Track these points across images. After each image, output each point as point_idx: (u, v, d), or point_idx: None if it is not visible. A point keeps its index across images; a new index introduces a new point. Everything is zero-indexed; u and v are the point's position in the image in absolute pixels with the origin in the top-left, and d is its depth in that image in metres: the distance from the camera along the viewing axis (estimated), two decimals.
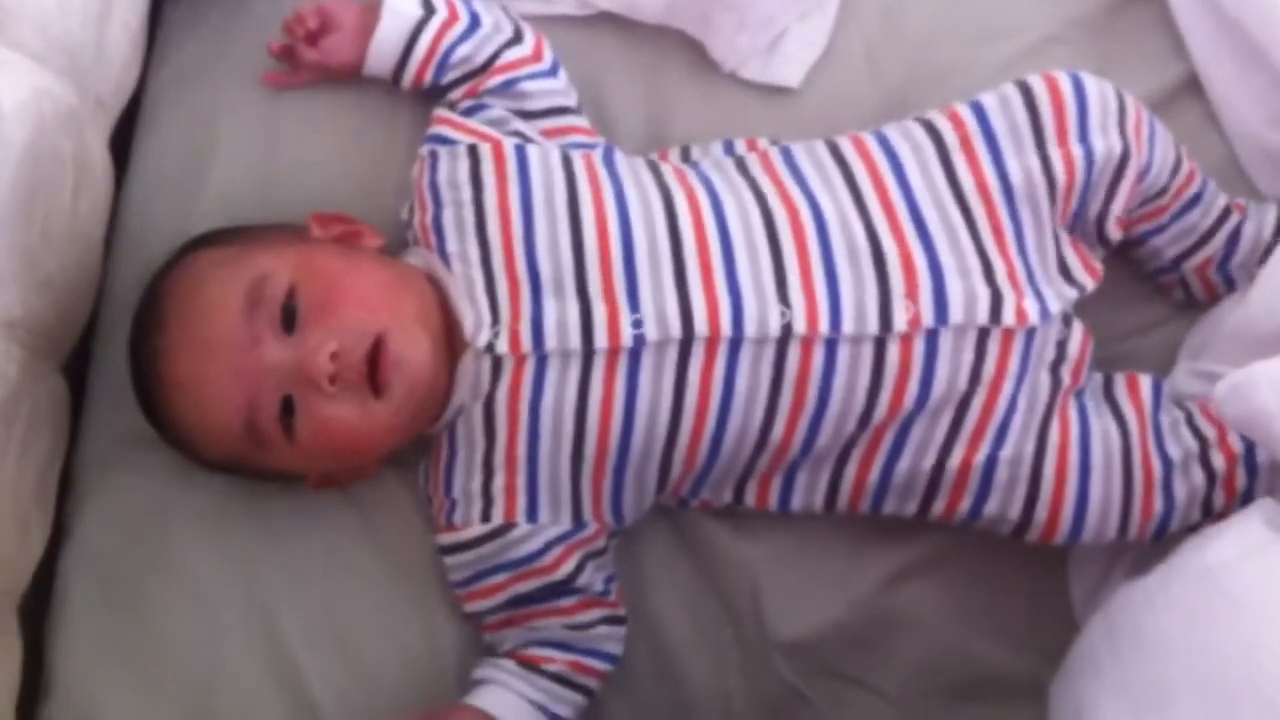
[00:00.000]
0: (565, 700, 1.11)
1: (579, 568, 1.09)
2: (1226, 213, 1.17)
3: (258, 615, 1.13)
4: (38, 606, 1.12)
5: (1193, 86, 1.24)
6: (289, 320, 1.01)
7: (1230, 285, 1.18)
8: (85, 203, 1.10)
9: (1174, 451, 1.08)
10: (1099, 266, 1.12)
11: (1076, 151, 1.08)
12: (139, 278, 1.12)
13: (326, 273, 1.04)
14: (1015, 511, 1.08)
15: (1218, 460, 1.07)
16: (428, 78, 1.16)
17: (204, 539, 1.14)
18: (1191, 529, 1.06)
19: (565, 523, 1.08)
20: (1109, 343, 1.18)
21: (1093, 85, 1.09)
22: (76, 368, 1.16)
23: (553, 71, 1.17)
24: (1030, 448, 1.07)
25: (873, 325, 1.03)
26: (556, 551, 1.08)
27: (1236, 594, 0.86)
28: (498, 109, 1.14)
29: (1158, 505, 1.08)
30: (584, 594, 1.10)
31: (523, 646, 1.11)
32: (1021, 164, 1.08)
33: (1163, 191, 1.13)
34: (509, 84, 1.15)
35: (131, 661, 1.12)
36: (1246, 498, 1.07)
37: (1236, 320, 1.13)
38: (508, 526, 1.08)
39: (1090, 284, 1.10)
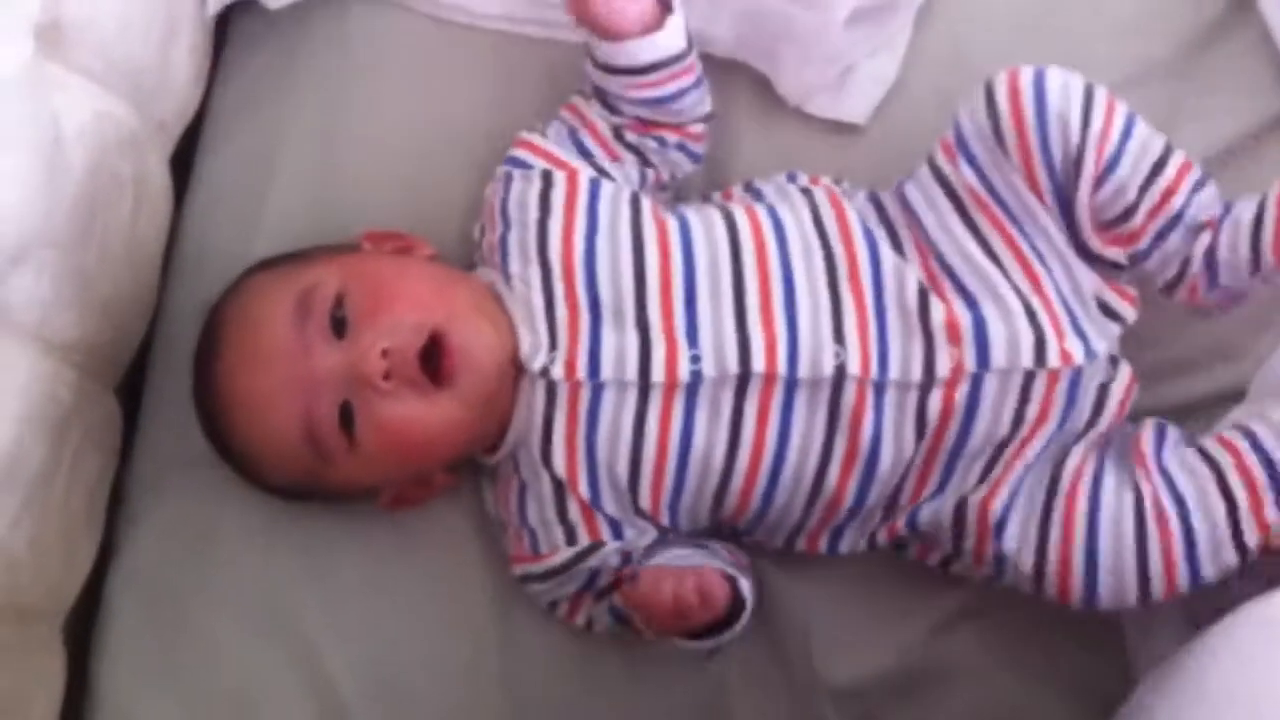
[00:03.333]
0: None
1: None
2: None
3: (300, 639, 1.14)
4: (84, 626, 1.13)
5: (1272, 129, 1.20)
6: (339, 327, 1.01)
7: (1231, 299, 1.09)
8: (144, 225, 1.11)
9: (1186, 487, 1.03)
10: (1134, 293, 1.08)
11: (1032, 134, 1.03)
12: (197, 299, 1.13)
13: (374, 276, 1.04)
14: (1029, 561, 1.04)
15: (1237, 487, 1.01)
16: (636, 97, 1.11)
17: (250, 562, 1.15)
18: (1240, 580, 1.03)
19: (651, 533, 1.08)
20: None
21: (1055, 77, 1.04)
22: (130, 387, 1.17)
23: (700, 159, 1.17)
24: (1043, 488, 1.04)
25: (917, 372, 1.02)
26: None
27: None
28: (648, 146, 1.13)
29: (1178, 549, 1.01)
30: None
31: None
32: (1003, 177, 1.05)
33: (1134, 208, 1.04)
34: (679, 146, 1.14)
35: (174, 683, 1.13)
36: None
37: None
38: (596, 545, 1.07)
39: (1130, 313, 1.07)
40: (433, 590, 1.15)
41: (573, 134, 1.13)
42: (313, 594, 1.14)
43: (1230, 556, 1.02)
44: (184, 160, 1.21)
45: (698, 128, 1.15)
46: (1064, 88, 1.03)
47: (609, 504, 1.07)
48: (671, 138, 1.13)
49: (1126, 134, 1.03)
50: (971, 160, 1.06)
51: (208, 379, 1.06)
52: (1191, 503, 1.02)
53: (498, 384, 1.04)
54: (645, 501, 1.06)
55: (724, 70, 1.20)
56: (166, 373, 1.17)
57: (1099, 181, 1.02)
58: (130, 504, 1.16)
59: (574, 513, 1.07)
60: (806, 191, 1.12)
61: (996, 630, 1.15)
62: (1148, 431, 1.09)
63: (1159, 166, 1.04)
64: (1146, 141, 1.04)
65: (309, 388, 1.01)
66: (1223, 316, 1.11)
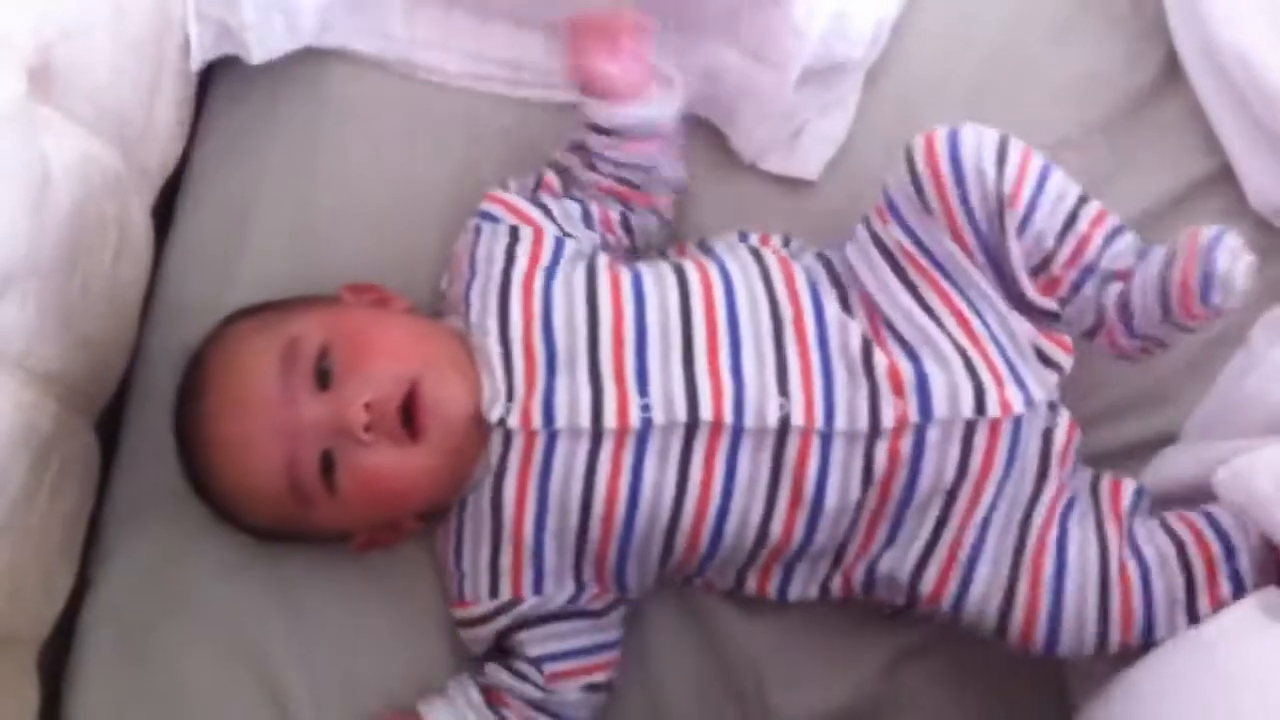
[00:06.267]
0: None
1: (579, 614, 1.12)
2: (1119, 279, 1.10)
3: (272, 672, 1.15)
4: (58, 657, 1.14)
5: (1208, 185, 1.27)
6: (323, 378, 1.04)
7: (1151, 345, 1.11)
8: (125, 266, 1.15)
9: (1149, 553, 1.07)
10: (1069, 341, 1.12)
11: (952, 193, 1.07)
12: (175, 341, 1.17)
13: (357, 329, 1.08)
14: (993, 611, 1.08)
15: (1196, 561, 1.06)
16: (615, 159, 1.17)
17: (221, 597, 1.16)
18: None
19: (569, 590, 1.11)
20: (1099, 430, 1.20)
21: (968, 134, 1.08)
22: (108, 426, 1.20)
23: (669, 224, 1.22)
24: (1010, 544, 1.08)
25: (863, 422, 1.05)
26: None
27: (1228, 669, 0.88)
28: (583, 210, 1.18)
29: (1137, 611, 1.05)
30: (564, 659, 1.12)
31: (496, 685, 1.12)
32: (931, 235, 1.09)
33: (1051, 257, 1.08)
34: (654, 213, 1.20)
35: (145, 714, 1.14)
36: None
37: (1240, 398, 1.14)
38: (515, 601, 1.10)
39: (1066, 360, 1.11)
40: (396, 625, 1.17)
41: (541, 193, 1.18)
42: (282, 628, 1.16)
43: (1182, 622, 1.05)
44: (165, 213, 1.25)
45: (668, 198, 1.21)
46: (977, 143, 1.07)
47: (550, 552, 1.09)
48: (640, 206, 1.18)
49: (1041, 183, 1.07)
50: (901, 220, 1.10)
51: (191, 422, 1.08)
52: (1153, 567, 1.06)
53: (466, 435, 1.07)
54: (594, 548, 1.08)
55: (682, 123, 1.25)
56: (144, 412, 1.20)
57: (1021, 229, 1.07)
58: (105, 538, 1.18)
59: (505, 562, 1.10)
60: (755, 251, 1.16)
61: (946, 666, 1.18)
62: (1128, 492, 1.11)
63: (1072, 218, 1.08)
64: (1062, 191, 1.08)
65: (293, 436, 1.04)
66: (1149, 360, 1.14)
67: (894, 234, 1.10)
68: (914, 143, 1.09)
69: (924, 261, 1.10)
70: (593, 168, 1.17)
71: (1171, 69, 1.30)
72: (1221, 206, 1.24)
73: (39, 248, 1.00)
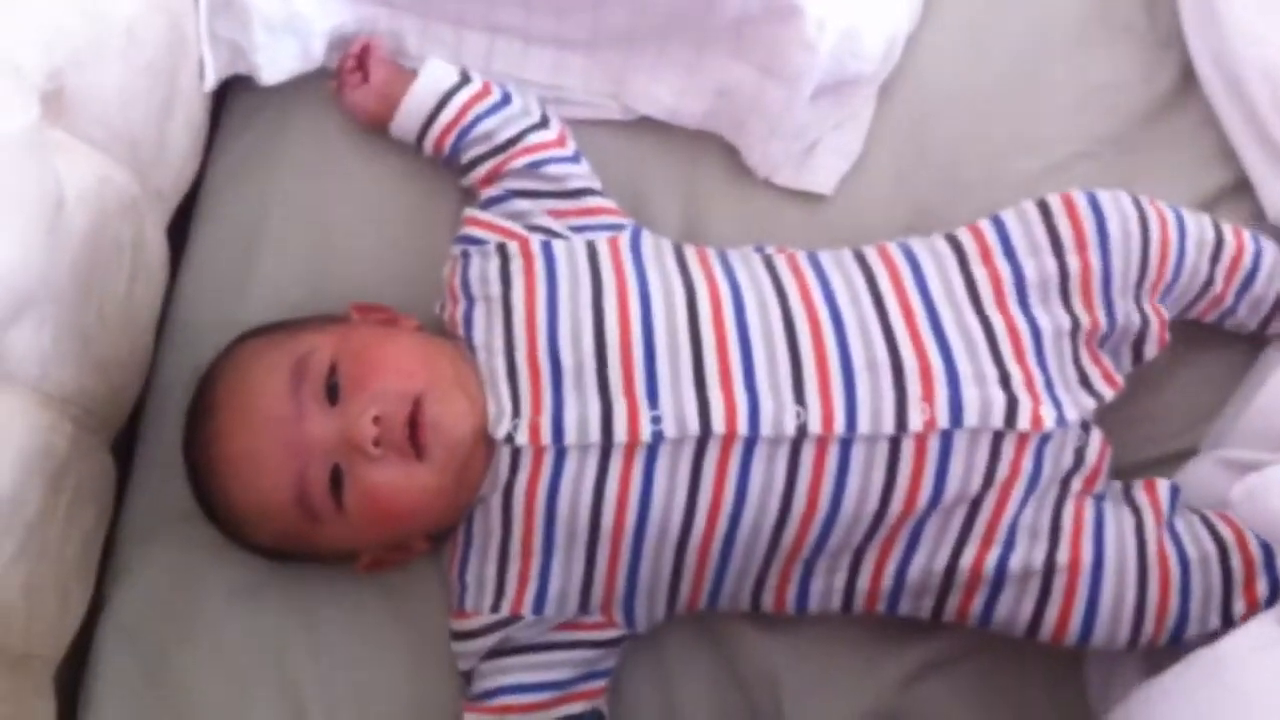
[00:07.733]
0: None
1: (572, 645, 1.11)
2: None
3: (287, 692, 1.15)
4: (74, 675, 1.15)
5: (1226, 197, 1.27)
6: (333, 394, 1.05)
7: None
8: (140, 288, 1.15)
9: (1191, 551, 1.07)
10: (1119, 379, 1.13)
11: (1094, 260, 1.11)
12: (189, 362, 1.17)
13: (365, 346, 1.08)
14: (1028, 609, 1.08)
15: (1236, 564, 1.06)
16: (448, 144, 1.21)
17: (237, 615, 1.16)
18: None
19: (570, 611, 1.10)
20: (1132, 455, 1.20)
21: (1109, 202, 1.12)
22: (124, 446, 1.20)
23: (576, 159, 1.21)
24: (1043, 546, 1.07)
25: (888, 425, 1.04)
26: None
27: (1245, 687, 0.88)
28: (520, 202, 1.18)
29: (1173, 603, 1.06)
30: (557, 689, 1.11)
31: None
32: (1038, 264, 1.11)
33: (1209, 283, 1.15)
34: (534, 165, 1.19)
35: None
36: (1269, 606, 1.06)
37: (1256, 409, 1.14)
38: (513, 619, 1.10)
39: (1109, 393, 1.11)
40: (415, 643, 1.17)
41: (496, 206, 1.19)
42: (299, 647, 1.16)
43: (1215, 622, 1.06)
44: (180, 232, 1.26)
45: (538, 136, 1.21)
46: (1116, 202, 1.12)
47: (557, 568, 1.09)
48: (519, 162, 1.19)
49: (1181, 232, 1.14)
50: (1009, 251, 1.12)
51: (201, 439, 1.09)
52: (1193, 560, 1.06)
53: (470, 452, 1.07)
54: (604, 563, 1.08)
55: (696, 139, 1.27)
56: (159, 432, 1.20)
57: (1173, 283, 1.14)
58: (121, 557, 1.18)
59: (511, 576, 1.09)
60: (769, 259, 1.16)
61: (965, 681, 1.17)
62: (1164, 488, 1.12)
63: (1219, 241, 1.16)
64: (1196, 225, 1.15)
65: (302, 451, 1.04)
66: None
67: (993, 250, 1.13)
68: (1050, 200, 1.13)
69: (1006, 280, 1.12)
70: (463, 171, 1.21)
71: (1187, 80, 1.30)
72: (1240, 220, 1.23)
73: (54, 272, 1.01)
